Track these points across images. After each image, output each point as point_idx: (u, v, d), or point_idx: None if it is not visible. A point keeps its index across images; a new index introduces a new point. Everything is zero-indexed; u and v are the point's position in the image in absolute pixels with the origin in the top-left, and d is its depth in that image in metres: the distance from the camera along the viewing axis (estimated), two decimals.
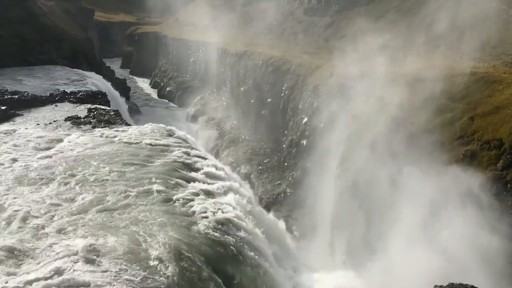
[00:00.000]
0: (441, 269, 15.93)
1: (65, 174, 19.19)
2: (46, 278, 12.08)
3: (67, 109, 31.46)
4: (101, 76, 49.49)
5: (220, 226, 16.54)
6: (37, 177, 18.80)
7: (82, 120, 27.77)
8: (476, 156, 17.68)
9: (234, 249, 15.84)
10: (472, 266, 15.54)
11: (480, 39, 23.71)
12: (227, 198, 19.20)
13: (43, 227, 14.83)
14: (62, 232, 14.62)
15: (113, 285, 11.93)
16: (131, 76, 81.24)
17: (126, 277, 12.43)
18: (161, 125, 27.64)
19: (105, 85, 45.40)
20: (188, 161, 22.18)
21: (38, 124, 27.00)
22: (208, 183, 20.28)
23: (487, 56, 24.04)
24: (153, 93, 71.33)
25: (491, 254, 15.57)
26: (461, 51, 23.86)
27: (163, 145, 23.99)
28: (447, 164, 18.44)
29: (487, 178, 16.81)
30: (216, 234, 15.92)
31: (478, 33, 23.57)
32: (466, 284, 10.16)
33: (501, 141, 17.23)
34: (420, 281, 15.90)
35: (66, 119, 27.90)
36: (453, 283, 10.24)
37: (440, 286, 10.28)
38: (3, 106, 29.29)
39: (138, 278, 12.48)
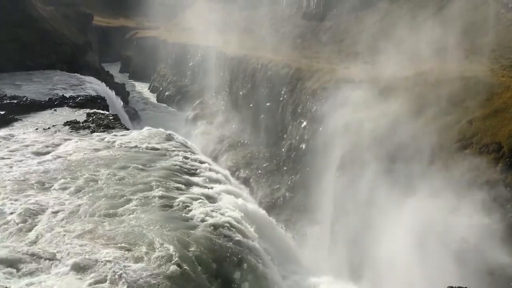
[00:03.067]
0: (440, 273, 15.92)
1: (64, 179, 19.16)
2: (43, 283, 12.05)
3: (66, 113, 31.48)
4: (100, 81, 49.54)
5: (219, 229, 16.50)
6: (36, 182, 18.76)
7: (81, 124, 27.77)
8: (475, 160, 17.68)
9: (233, 252, 15.81)
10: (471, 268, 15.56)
11: (479, 42, 23.79)
12: (226, 202, 19.17)
13: (41, 233, 14.79)
14: (61, 236, 14.58)
15: None
16: (130, 80, 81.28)
17: (126, 280, 12.39)
18: (160, 129, 27.66)
19: (104, 90, 45.44)
20: (187, 165, 22.17)
21: (37, 129, 26.99)
22: (208, 187, 20.26)
23: (485, 60, 24.09)
24: (152, 98, 71.35)
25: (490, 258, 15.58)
26: (459, 55, 23.91)
27: (163, 149, 23.99)
28: (444, 168, 18.47)
29: (486, 181, 16.82)
30: (215, 238, 15.89)
31: (476, 36, 23.66)
32: (465, 287, 10.15)
33: (499, 145, 17.25)
34: (425, 281, 15.89)
35: (65, 124, 27.91)
36: (451, 287, 10.23)
37: None
38: (2, 111, 29.29)
39: (138, 282, 12.44)
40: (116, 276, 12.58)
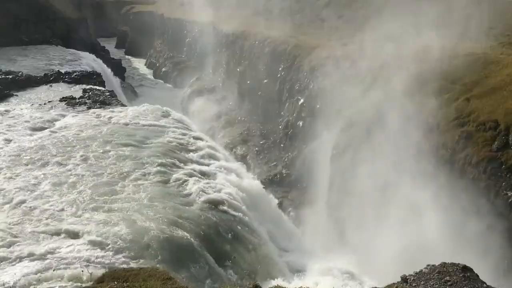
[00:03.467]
0: (435, 247, 16.11)
1: (60, 155, 19.15)
2: (41, 258, 12.12)
3: (62, 89, 31.28)
4: (96, 56, 49.09)
5: (215, 206, 16.63)
6: (33, 158, 18.74)
7: (77, 100, 27.62)
8: (472, 137, 17.72)
9: (229, 228, 15.97)
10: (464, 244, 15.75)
11: (477, 19, 23.53)
12: (223, 179, 19.25)
13: (39, 208, 14.84)
14: (58, 212, 14.64)
15: (108, 263, 12.00)
16: (126, 56, 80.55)
17: (121, 255, 12.52)
18: (157, 106, 27.57)
19: (100, 65, 45.10)
20: (184, 142, 22.18)
21: (32, 105, 26.84)
22: (204, 164, 20.32)
23: (484, 37, 23.88)
24: (149, 74, 70.82)
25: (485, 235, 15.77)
26: (458, 32, 23.69)
27: (159, 126, 23.95)
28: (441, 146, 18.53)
29: (482, 159, 16.89)
30: (211, 214, 16.02)
31: (475, 13, 23.38)
32: (458, 263, 10.30)
33: (496, 122, 17.24)
34: (415, 259, 16.07)
35: (61, 100, 27.75)
36: (445, 262, 10.37)
37: (433, 265, 10.43)
38: None
39: (133, 257, 12.56)
40: (120, 247, 12.72)
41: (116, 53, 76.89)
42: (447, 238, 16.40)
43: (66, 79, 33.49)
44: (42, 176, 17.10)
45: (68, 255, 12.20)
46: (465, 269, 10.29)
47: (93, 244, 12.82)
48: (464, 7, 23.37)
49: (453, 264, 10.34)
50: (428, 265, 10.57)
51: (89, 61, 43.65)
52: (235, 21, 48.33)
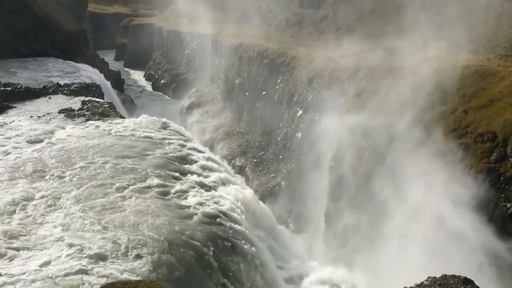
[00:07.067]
0: (433, 264, 16.01)
1: (59, 167, 19.11)
2: (41, 269, 12.06)
3: (60, 101, 31.30)
4: (95, 68, 49.20)
5: (214, 218, 16.58)
6: (31, 170, 18.70)
7: (76, 112, 27.66)
8: (470, 149, 17.74)
9: (228, 241, 15.89)
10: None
11: (475, 31, 23.73)
12: (222, 191, 19.22)
13: (37, 219, 14.78)
14: (57, 224, 14.57)
15: (107, 275, 11.93)
16: (125, 68, 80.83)
17: (120, 268, 12.44)
18: (156, 117, 27.61)
19: (99, 77, 45.17)
20: (183, 153, 22.18)
21: (31, 117, 26.84)
22: (203, 176, 20.30)
23: (481, 49, 24.05)
24: (148, 86, 71.02)
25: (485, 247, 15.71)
26: (455, 44, 23.88)
27: (158, 137, 23.96)
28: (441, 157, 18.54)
29: (481, 170, 16.89)
30: (210, 226, 15.96)
31: (473, 25, 23.59)
32: (459, 276, 10.25)
33: (494, 134, 17.28)
34: (412, 275, 15.99)
35: (60, 112, 27.79)
36: (446, 275, 10.32)
37: (434, 277, 10.38)
38: None
39: (132, 270, 12.49)
40: (118, 260, 12.63)
41: (115, 65, 77.17)
42: (449, 249, 16.33)
43: (65, 91, 33.53)
44: (40, 188, 17.04)
45: (67, 267, 12.13)
46: (466, 281, 10.23)
47: (92, 256, 12.75)
48: (462, 19, 23.59)
49: (454, 276, 10.28)
50: (429, 277, 10.51)
51: (88, 73, 43.72)
52: (233, 33, 48.63)
